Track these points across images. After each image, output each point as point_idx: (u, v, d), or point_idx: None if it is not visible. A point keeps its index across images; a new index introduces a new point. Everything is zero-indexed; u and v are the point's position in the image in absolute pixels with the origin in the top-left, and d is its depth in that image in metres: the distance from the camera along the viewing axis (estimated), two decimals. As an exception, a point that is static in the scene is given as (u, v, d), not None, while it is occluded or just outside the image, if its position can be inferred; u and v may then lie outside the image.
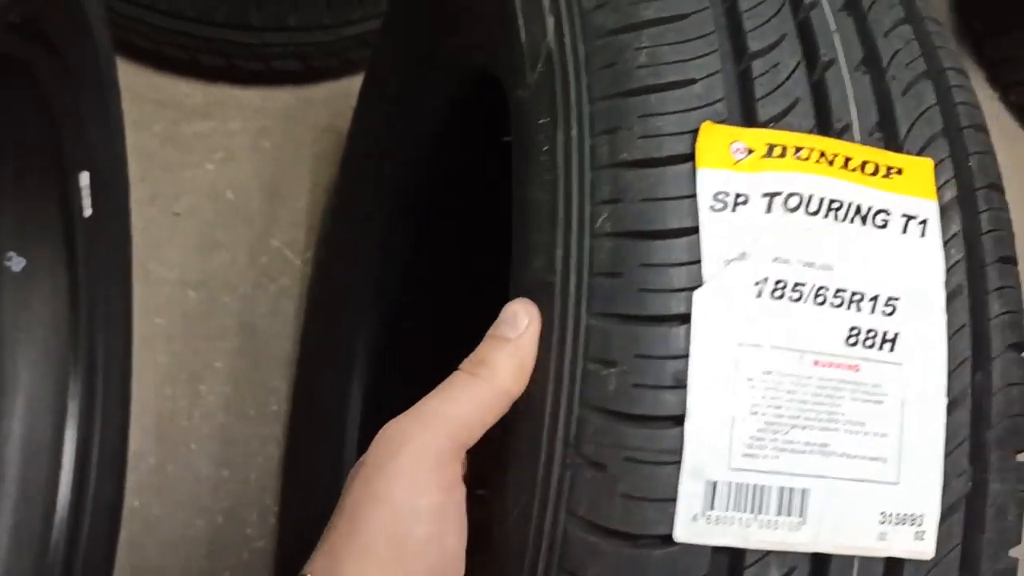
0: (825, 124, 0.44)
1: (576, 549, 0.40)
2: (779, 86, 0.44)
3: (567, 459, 0.41)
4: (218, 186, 1.05)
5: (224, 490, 1.00)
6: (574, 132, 0.44)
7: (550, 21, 0.47)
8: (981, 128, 0.50)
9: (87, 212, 0.86)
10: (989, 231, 0.46)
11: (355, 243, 0.94)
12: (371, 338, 0.92)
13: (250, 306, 1.05)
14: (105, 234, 0.91)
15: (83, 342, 0.91)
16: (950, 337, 0.43)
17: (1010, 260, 0.47)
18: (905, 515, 0.42)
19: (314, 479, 0.95)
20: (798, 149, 0.43)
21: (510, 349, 0.43)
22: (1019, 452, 0.46)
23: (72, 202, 0.86)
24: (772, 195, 0.42)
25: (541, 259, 0.44)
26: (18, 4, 0.63)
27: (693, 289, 0.40)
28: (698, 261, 0.40)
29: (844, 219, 0.43)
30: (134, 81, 1.04)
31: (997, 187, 0.48)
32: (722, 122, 0.42)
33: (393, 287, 0.91)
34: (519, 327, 0.43)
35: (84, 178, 0.85)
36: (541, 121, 0.46)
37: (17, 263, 0.85)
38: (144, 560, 0.96)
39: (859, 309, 0.42)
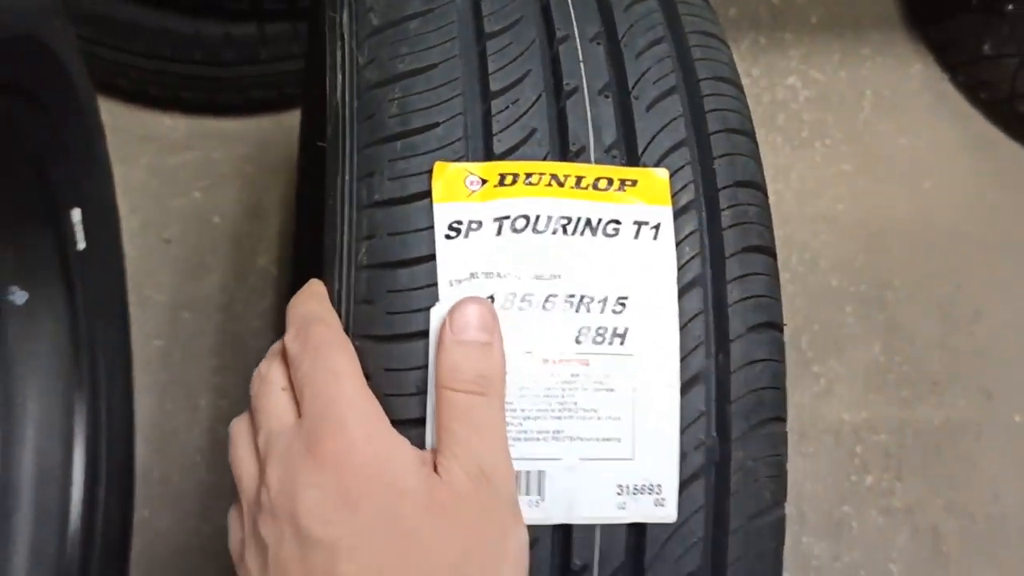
0: (562, 149, 0.50)
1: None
2: (517, 119, 0.50)
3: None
4: (205, 212, 1.16)
5: (228, 497, 1.11)
6: (346, 178, 0.51)
7: (339, 79, 0.55)
8: (735, 131, 0.55)
9: (81, 245, 0.95)
10: (732, 225, 0.52)
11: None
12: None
13: (241, 323, 1.15)
14: (99, 265, 1.00)
15: (86, 367, 1.01)
16: (683, 326, 0.49)
17: (757, 249, 0.52)
18: (642, 486, 0.48)
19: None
20: (528, 175, 0.49)
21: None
22: (767, 422, 0.51)
23: (66, 237, 0.94)
24: (502, 219, 0.48)
25: (329, 293, 0.51)
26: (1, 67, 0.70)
27: (429, 308, 0.47)
28: (435, 284, 0.48)
29: (573, 232, 0.49)
30: (120, 119, 1.15)
31: (745, 184, 0.53)
32: (459, 159, 0.49)
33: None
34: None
35: (76, 214, 0.93)
36: (330, 170, 0.53)
37: (20, 297, 0.96)
38: (157, 569, 1.07)
39: (588, 311, 0.48)
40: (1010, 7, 1.37)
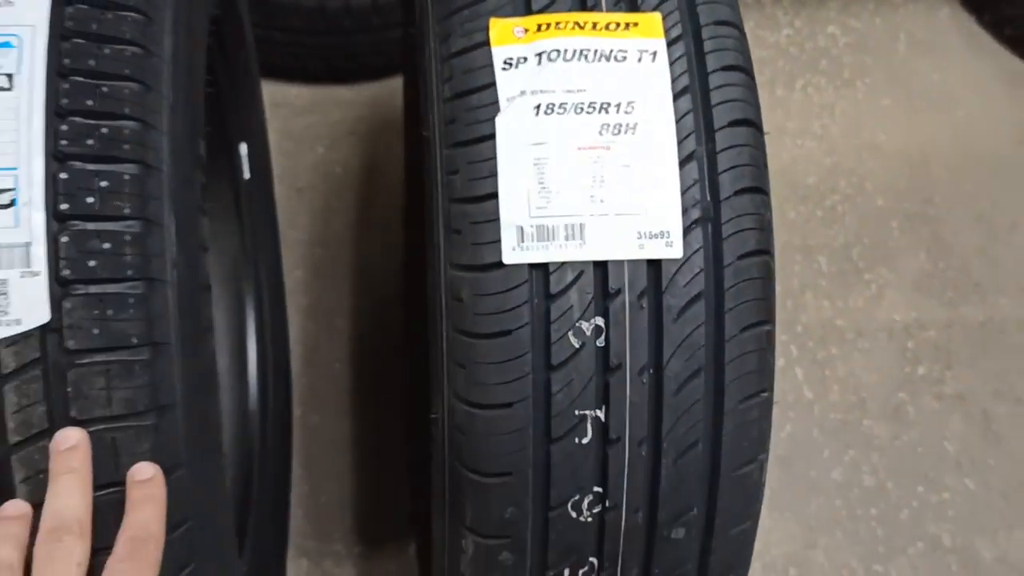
0: (580, 4, 0.70)
1: (456, 283, 0.68)
2: (548, -12, 0.71)
3: (444, 232, 0.69)
4: (329, 165, 1.40)
5: (364, 397, 1.32)
6: (432, 44, 0.72)
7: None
8: (715, -12, 0.73)
9: (247, 175, 1.15)
10: (712, 51, 0.71)
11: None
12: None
13: (366, 255, 1.38)
14: (260, 195, 1.19)
15: (252, 282, 1.19)
16: (678, 120, 0.68)
17: (733, 68, 0.71)
18: (655, 232, 0.67)
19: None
20: (558, 23, 0.69)
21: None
22: (748, 190, 0.69)
23: (236, 168, 1.13)
24: (540, 53, 0.68)
25: (423, 125, 0.72)
26: (215, 15, 0.84)
27: (494, 118, 0.67)
28: (496, 101, 0.68)
29: (592, 60, 0.69)
30: (255, 93, 1.39)
31: (723, 23, 0.72)
32: (507, 17, 0.69)
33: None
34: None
35: (243, 148, 1.13)
36: (418, 43, 0.74)
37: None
38: (309, 457, 1.29)
39: (607, 112, 0.68)
40: (1024, -55, 1.52)
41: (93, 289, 0.57)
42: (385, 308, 1.35)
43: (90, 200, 0.57)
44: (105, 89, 0.59)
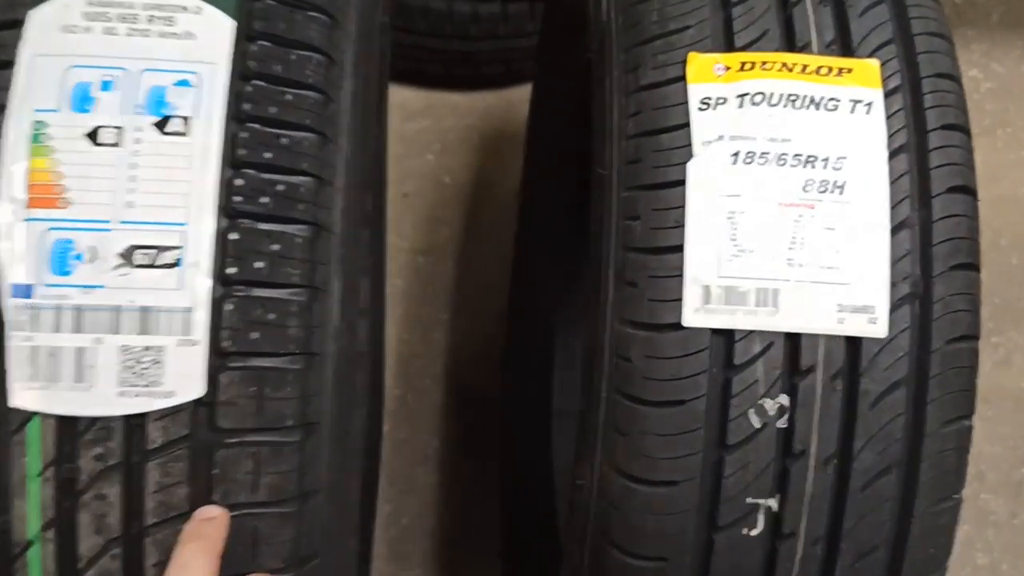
0: (790, 45, 0.63)
1: (625, 341, 0.61)
2: (753, 23, 0.63)
3: (616, 282, 0.62)
4: (437, 172, 1.34)
5: (454, 417, 1.26)
6: (614, 74, 0.65)
7: (603, 3, 0.69)
8: (935, 34, 0.66)
9: None
10: (933, 106, 0.63)
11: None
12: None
13: (468, 269, 1.31)
14: (375, 206, 1.17)
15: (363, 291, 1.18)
16: (892, 182, 0.61)
17: (954, 127, 0.63)
18: (859, 306, 0.59)
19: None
20: (764, 63, 0.62)
21: None
22: (963, 265, 0.61)
23: None
24: (743, 95, 0.61)
25: (596, 161, 0.65)
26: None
27: (686, 163, 0.60)
28: (690, 144, 0.61)
29: (800, 107, 0.61)
30: (368, 93, 1.34)
31: (945, 75, 0.64)
32: (707, 51, 0.62)
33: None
34: None
35: None
36: (595, 75, 0.68)
37: None
38: (393, 472, 1.23)
39: (813, 167, 0.60)
40: None
41: (253, 363, 0.52)
42: (484, 326, 1.29)
43: (259, 265, 0.52)
44: (284, 140, 0.53)
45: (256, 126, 0.53)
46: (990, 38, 1.58)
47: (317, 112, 0.55)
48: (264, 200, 0.52)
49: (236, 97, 0.54)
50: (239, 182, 0.53)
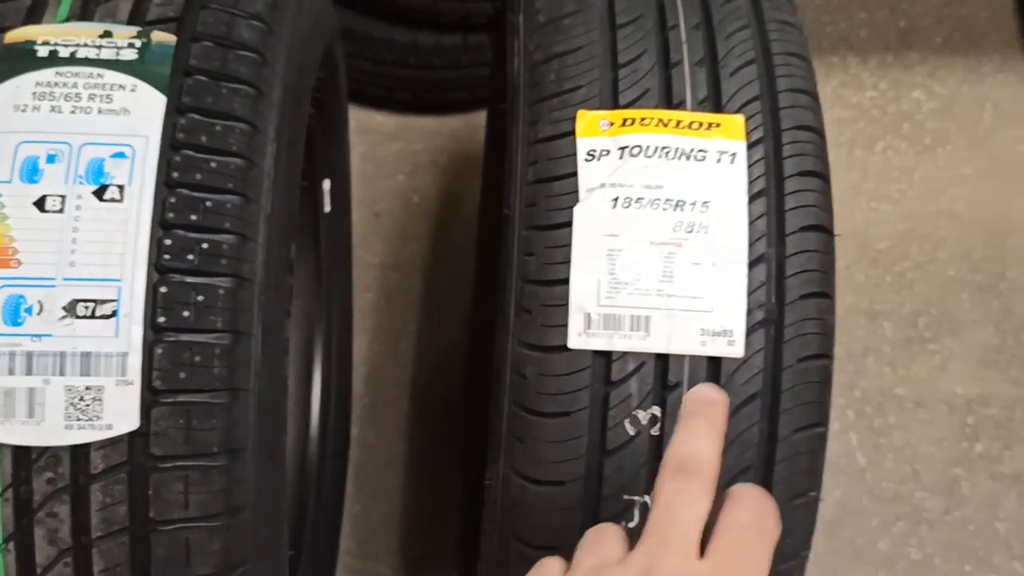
0: (667, 102, 0.73)
1: (521, 360, 0.71)
2: (636, 83, 0.73)
3: (515, 309, 0.72)
4: (408, 192, 1.44)
5: (421, 421, 1.36)
6: (520, 126, 0.75)
7: (515, 61, 0.79)
8: (800, 90, 0.75)
9: (327, 209, 1.19)
10: (791, 155, 0.72)
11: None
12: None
13: (435, 283, 1.41)
14: (337, 226, 1.23)
15: (323, 308, 1.25)
16: (751, 222, 0.70)
17: (811, 173, 0.73)
18: (718, 331, 0.69)
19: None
20: (643, 119, 0.72)
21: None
22: (814, 295, 0.71)
23: (319, 202, 1.19)
24: (623, 148, 0.71)
25: (505, 203, 0.75)
26: (319, 77, 0.90)
27: (573, 207, 0.70)
28: (576, 191, 0.70)
29: (672, 158, 0.71)
30: (343, 114, 1.44)
31: (805, 127, 0.74)
32: (595, 109, 0.72)
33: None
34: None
35: (327, 184, 1.18)
36: (509, 123, 0.77)
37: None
38: (364, 476, 1.33)
39: (682, 210, 0.70)
40: (1121, 23, 1.50)
41: (181, 399, 0.60)
42: (450, 336, 1.39)
43: (186, 314, 0.60)
44: (209, 203, 0.62)
45: (184, 191, 0.61)
46: (934, 60, 1.67)
47: (240, 176, 0.63)
48: (190, 257, 0.61)
49: (167, 165, 0.62)
50: (168, 242, 0.61)
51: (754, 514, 0.50)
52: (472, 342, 1.34)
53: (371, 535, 1.31)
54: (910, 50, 1.67)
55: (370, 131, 1.48)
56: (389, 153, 1.48)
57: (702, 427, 0.53)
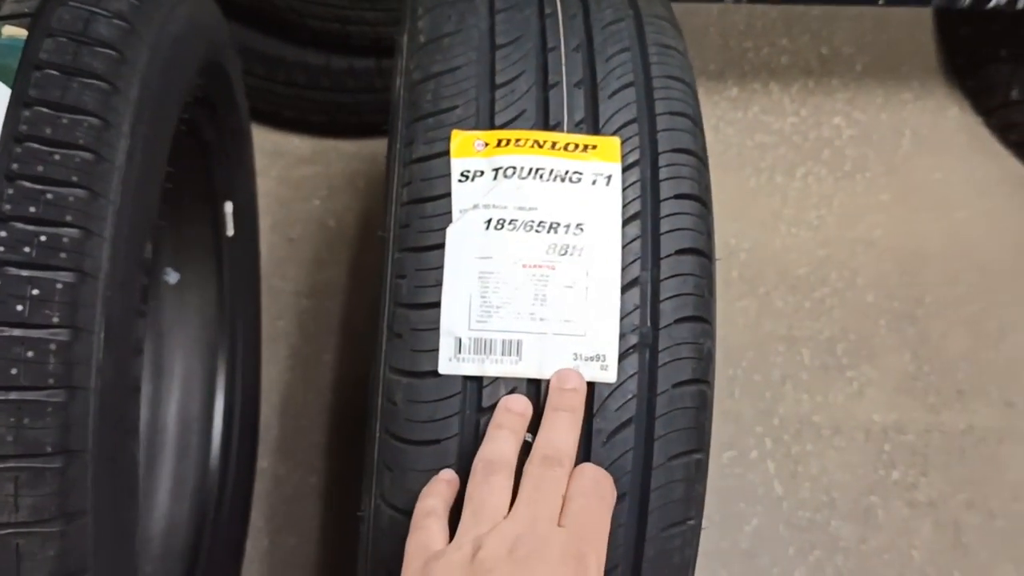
0: (544, 123, 0.72)
1: (392, 386, 0.69)
2: (513, 103, 0.72)
3: (388, 334, 0.70)
4: (323, 217, 1.42)
5: (333, 453, 1.33)
6: (398, 145, 0.74)
7: (397, 80, 0.77)
8: (678, 113, 0.74)
9: (230, 233, 1.17)
10: (668, 178, 0.71)
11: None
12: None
13: (350, 310, 1.39)
14: (242, 251, 1.22)
15: (226, 336, 1.23)
16: (625, 246, 0.69)
17: (687, 196, 0.72)
18: (591, 355, 0.68)
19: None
20: (518, 140, 0.70)
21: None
22: (689, 318, 0.70)
23: (220, 225, 1.16)
24: (497, 169, 0.70)
25: (382, 224, 0.73)
26: (199, 85, 0.89)
27: (445, 228, 0.68)
28: (450, 212, 0.69)
29: (547, 179, 0.70)
30: (257, 137, 1.40)
31: (682, 150, 0.73)
32: (470, 129, 0.71)
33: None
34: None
35: (228, 206, 1.15)
36: (390, 141, 0.76)
37: (173, 277, 1.19)
38: (272, 509, 1.30)
39: (556, 232, 0.69)
40: (1034, 57, 1.53)
41: (12, 396, 0.58)
42: (363, 365, 1.36)
43: (19, 308, 0.59)
44: (50, 196, 0.60)
45: (24, 183, 0.60)
46: (854, 87, 1.69)
47: (85, 170, 0.62)
48: (27, 250, 0.59)
49: (7, 157, 0.60)
50: (3, 234, 0.59)
51: (594, 480, 0.64)
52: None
53: (279, 569, 1.28)
54: (831, 76, 1.69)
55: (286, 154, 1.46)
56: (305, 176, 1.46)
57: (563, 421, 0.66)
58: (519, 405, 0.66)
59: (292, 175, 1.45)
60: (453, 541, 0.61)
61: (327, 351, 1.37)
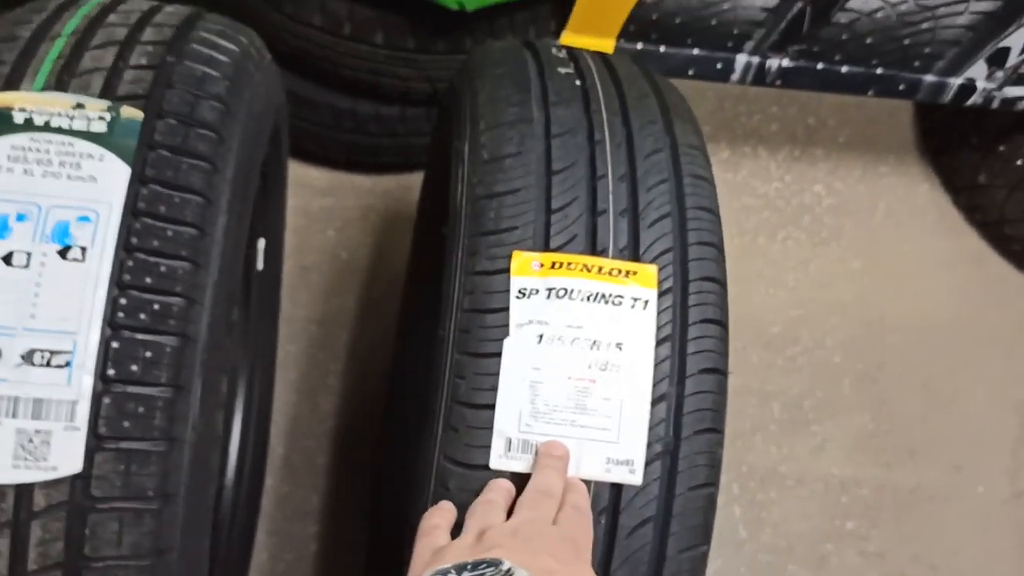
0: (592, 248, 0.81)
1: (446, 474, 0.79)
2: (566, 228, 0.82)
3: (443, 425, 0.79)
4: (337, 248, 1.50)
5: (335, 475, 1.42)
6: (459, 254, 0.83)
7: (459, 189, 0.86)
8: (707, 243, 0.84)
9: (260, 267, 1.25)
10: (695, 304, 0.82)
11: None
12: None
13: (357, 339, 1.48)
14: (267, 284, 1.30)
15: (248, 358, 1.32)
16: (657, 364, 0.79)
17: (709, 321, 0.82)
18: (622, 460, 0.78)
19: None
20: (570, 264, 0.80)
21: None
22: (707, 431, 0.80)
23: (252, 260, 1.24)
24: (551, 289, 0.79)
25: (441, 323, 0.83)
26: (268, 152, 0.95)
27: (503, 339, 0.78)
28: (507, 324, 0.79)
29: (593, 301, 0.80)
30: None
31: (709, 279, 0.83)
32: (528, 250, 0.80)
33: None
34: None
35: (261, 243, 1.24)
36: (448, 247, 0.85)
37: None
38: (275, 525, 1.39)
39: (599, 349, 0.79)
40: (1002, 148, 1.65)
41: (123, 445, 0.65)
42: (367, 395, 1.45)
43: (134, 368, 0.66)
44: (163, 268, 0.67)
45: (141, 255, 0.67)
46: (836, 157, 1.81)
47: (192, 245, 0.69)
48: (142, 316, 0.66)
49: (127, 231, 0.67)
50: (123, 301, 0.66)
51: (583, 496, 0.76)
52: (390, 399, 1.41)
53: (278, 582, 1.37)
54: (815, 146, 1.80)
55: (305, 185, 1.54)
56: (321, 208, 1.54)
57: (553, 472, 0.76)
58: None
59: (309, 206, 1.53)
60: (458, 538, 0.70)
61: (332, 377, 1.46)
